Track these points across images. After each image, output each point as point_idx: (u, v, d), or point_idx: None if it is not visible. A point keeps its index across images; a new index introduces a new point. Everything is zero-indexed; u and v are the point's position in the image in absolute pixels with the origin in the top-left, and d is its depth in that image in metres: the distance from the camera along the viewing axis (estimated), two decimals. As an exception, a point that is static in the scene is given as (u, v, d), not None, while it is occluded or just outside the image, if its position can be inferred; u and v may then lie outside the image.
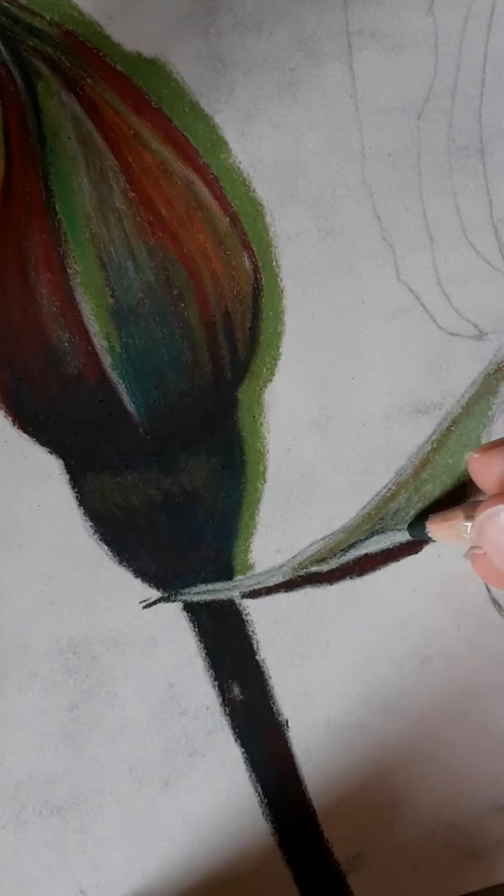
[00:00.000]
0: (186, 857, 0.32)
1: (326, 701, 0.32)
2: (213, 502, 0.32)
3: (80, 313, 0.31)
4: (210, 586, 0.32)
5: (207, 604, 0.32)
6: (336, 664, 0.33)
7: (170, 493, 0.32)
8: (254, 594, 0.32)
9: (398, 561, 0.33)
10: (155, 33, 0.32)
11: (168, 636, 0.32)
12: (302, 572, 0.32)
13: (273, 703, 0.32)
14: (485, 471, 0.31)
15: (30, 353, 0.31)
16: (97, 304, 0.31)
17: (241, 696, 0.32)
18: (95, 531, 0.32)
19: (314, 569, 0.32)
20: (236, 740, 0.32)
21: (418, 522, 0.33)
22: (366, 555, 0.33)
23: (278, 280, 0.33)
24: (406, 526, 0.33)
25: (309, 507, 0.33)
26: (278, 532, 0.32)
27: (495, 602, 0.34)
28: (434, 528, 0.32)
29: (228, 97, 0.32)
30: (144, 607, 0.32)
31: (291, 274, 0.33)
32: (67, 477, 0.31)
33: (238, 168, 0.32)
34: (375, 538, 0.33)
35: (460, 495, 0.34)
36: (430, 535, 0.33)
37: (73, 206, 0.31)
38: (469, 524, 0.31)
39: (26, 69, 0.31)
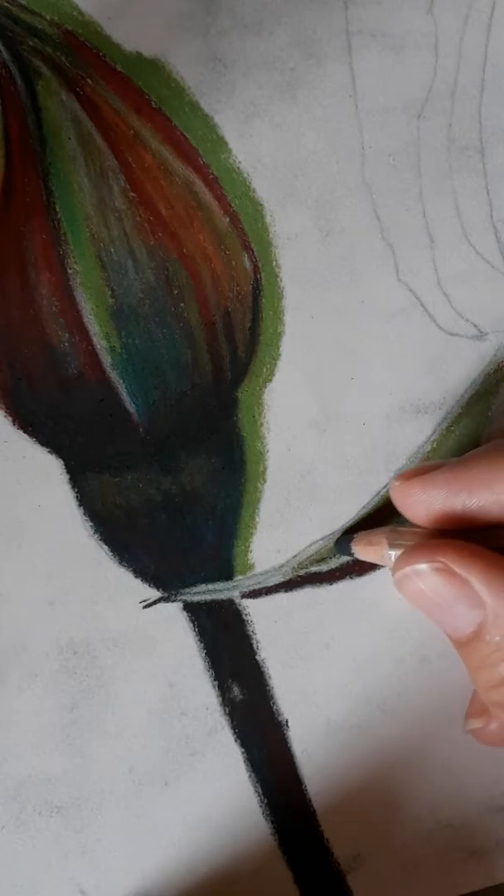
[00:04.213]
0: (186, 857, 0.32)
1: (326, 701, 0.32)
2: (213, 502, 0.32)
3: (80, 313, 0.31)
4: (210, 586, 0.32)
5: (207, 604, 0.32)
6: (336, 664, 0.33)
7: (170, 493, 0.32)
8: (254, 594, 0.32)
9: (398, 561, 0.33)
10: (155, 33, 0.32)
11: (168, 636, 0.32)
12: (302, 572, 0.32)
13: (273, 703, 0.32)
14: (406, 501, 0.30)
15: (30, 353, 0.31)
16: (97, 304, 0.31)
17: (241, 696, 0.32)
18: (95, 531, 0.32)
19: (314, 569, 0.32)
20: (236, 740, 0.32)
21: (345, 539, 0.32)
22: (366, 555, 0.33)
23: (278, 280, 0.33)
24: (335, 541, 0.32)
25: (309, 507, 0.33)
26: (278, 532, 0.32)
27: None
28: (359, 548, 0.31)
29: (228, 97, 0.32)
30: (144, 607, 0.32)
31: (291, 274, 0.33)
32: (67, 477, 0.31)
33: (238, 168, 0.32)
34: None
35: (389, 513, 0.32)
36: (355, 554, 0.32)
37: (73, 206, 0.31)
38: (393, 553, 0.30)
39: (26, 69, 0.31)
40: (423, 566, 0.28)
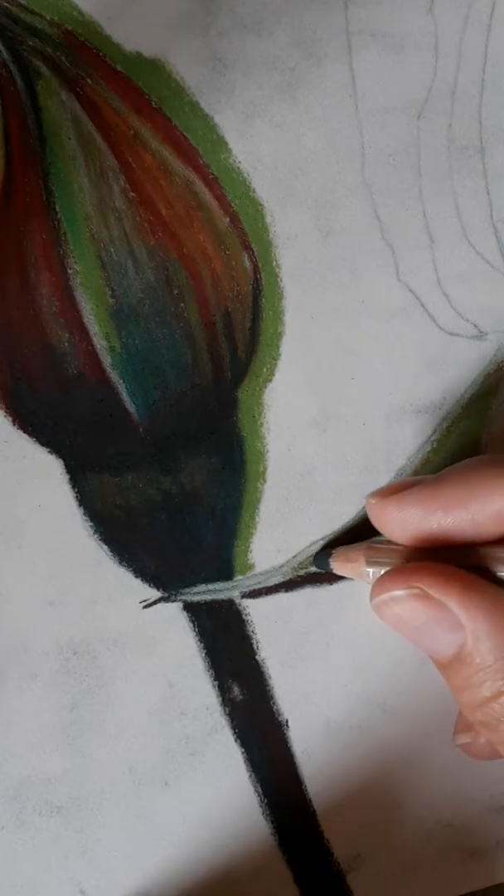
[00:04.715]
0: (186, 857, 0.32)
1: (326, 701, 0.32)
2: (213, 502, 0.32)
3: (80, 313, 0.31)
4: (210, 586, 0.32)
5: (207, 604, 0.32)
6: (336, 664, 0.33)
7: (170, 493, 0.32)
8: (254, 594, 0.32)
9: (398, 561, 0.33)
10: (155, 33, 0.32)
11: (168, 636, 0.32)
12: (302, 572, 0.32)
13: (273, 703, 0.32)
14: (382, 519, 0.29)
15: (30, 353, 0.31)
16: (97, 304, 0.31)
17: (241, 696, 0.32)
18: (95, 531, 0.32)
19: (314, 569, 0.32)
20: (236, 740, 0.32)
21: (324, 554, 0.32)
22: (366, 555, 0.33)
23: (278, 280, 0.33)
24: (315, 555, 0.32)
25: (309, 507, 0.33)
26: (278, 532, 0.32)
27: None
28: (338, 565, 0.31)
29: (228, 97, 0.32)
30: (144, 607, 0.32)
31: (291, 274, 0.33)
32: (67, 477, 0.31)
33: (238, 168, 0.32)
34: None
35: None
36: (333, 569, 0.31)
37: (73, 206, 0.31)
38: (371, 570, 0.30)
39: (26, 69, 0.31)
40: (399, 592, 0.28)
